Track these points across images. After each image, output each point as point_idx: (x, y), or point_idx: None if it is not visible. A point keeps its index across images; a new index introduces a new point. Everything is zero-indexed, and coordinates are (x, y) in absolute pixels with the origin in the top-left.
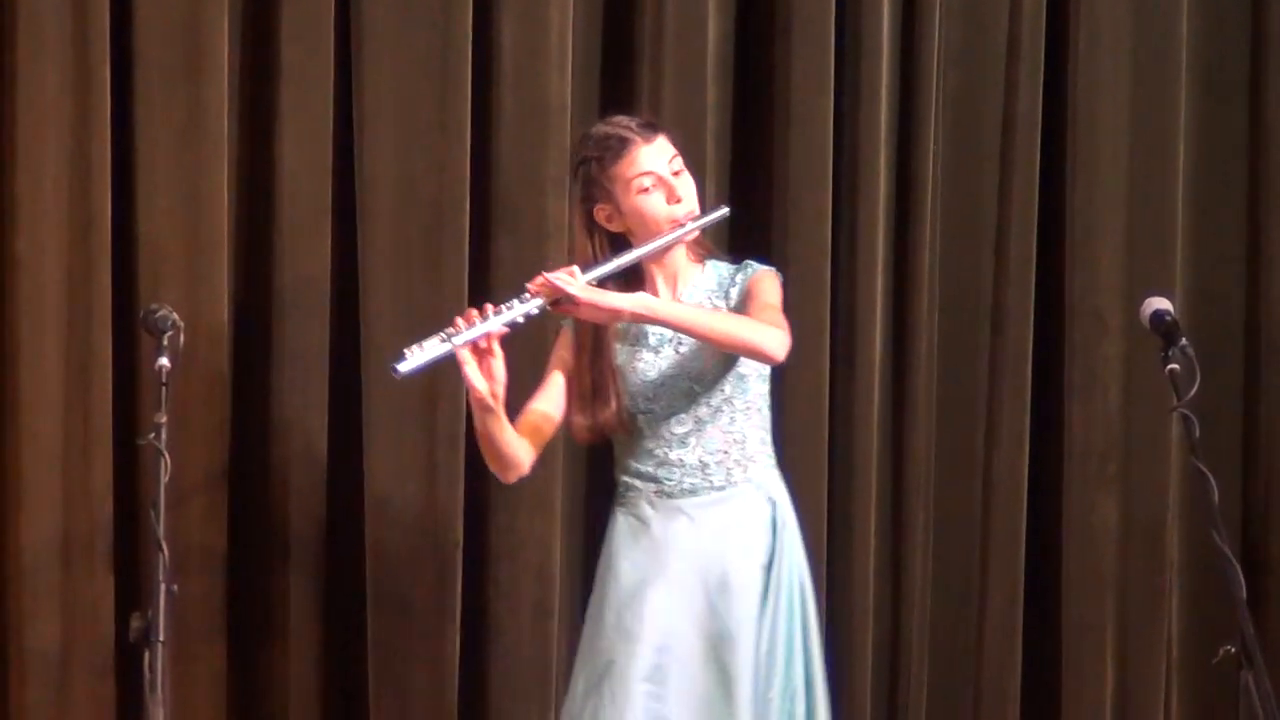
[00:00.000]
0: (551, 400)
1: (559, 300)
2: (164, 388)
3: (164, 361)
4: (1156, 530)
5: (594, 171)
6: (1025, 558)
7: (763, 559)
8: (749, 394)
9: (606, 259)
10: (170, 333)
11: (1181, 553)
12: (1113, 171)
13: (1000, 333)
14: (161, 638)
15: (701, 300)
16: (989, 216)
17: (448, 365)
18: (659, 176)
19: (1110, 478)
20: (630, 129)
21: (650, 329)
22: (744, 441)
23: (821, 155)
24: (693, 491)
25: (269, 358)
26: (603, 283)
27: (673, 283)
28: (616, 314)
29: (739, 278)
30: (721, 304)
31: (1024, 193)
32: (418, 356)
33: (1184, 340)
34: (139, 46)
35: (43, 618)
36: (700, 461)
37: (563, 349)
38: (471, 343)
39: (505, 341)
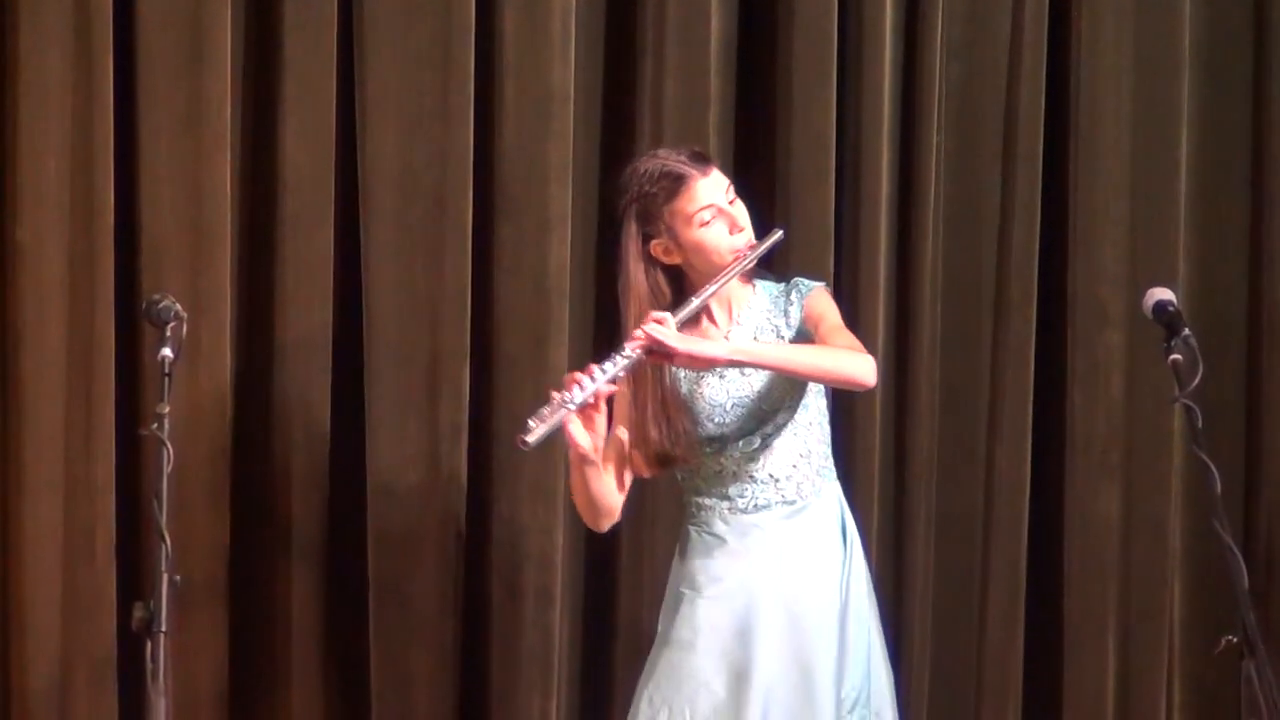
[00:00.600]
0: (623, 456)
1: (654, 350)
2: (166, 378)
3: (166, 352)
4: (1159, 520)
5: (651, 207)
6: (1027, 547)
7: (837, 571)
8: (810, 409)
9: (685, 303)
10: (173, 323)
11: (1183, 542)
12: (1115, 161)
13: (1002, 322)
14: (164, 628)
15: (761, 323)
16: (991, 207)
17: (454, 346)
18: (719, 209)
19: (1112, 468)
20: (685, 163)
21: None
22: (810, 455)
23: (824, 146)
24: (766, 506)
25: (271, 348)
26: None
27: (728, 308)
28: (713, 362)
29: (794, 296)
30: (781, 324)
31: (1026, 183)
32: (541, 428)
33: (1186, 330)
34: (142, 36)
35: (45, 607)
36: (771, 476)
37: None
38: (585, 406)
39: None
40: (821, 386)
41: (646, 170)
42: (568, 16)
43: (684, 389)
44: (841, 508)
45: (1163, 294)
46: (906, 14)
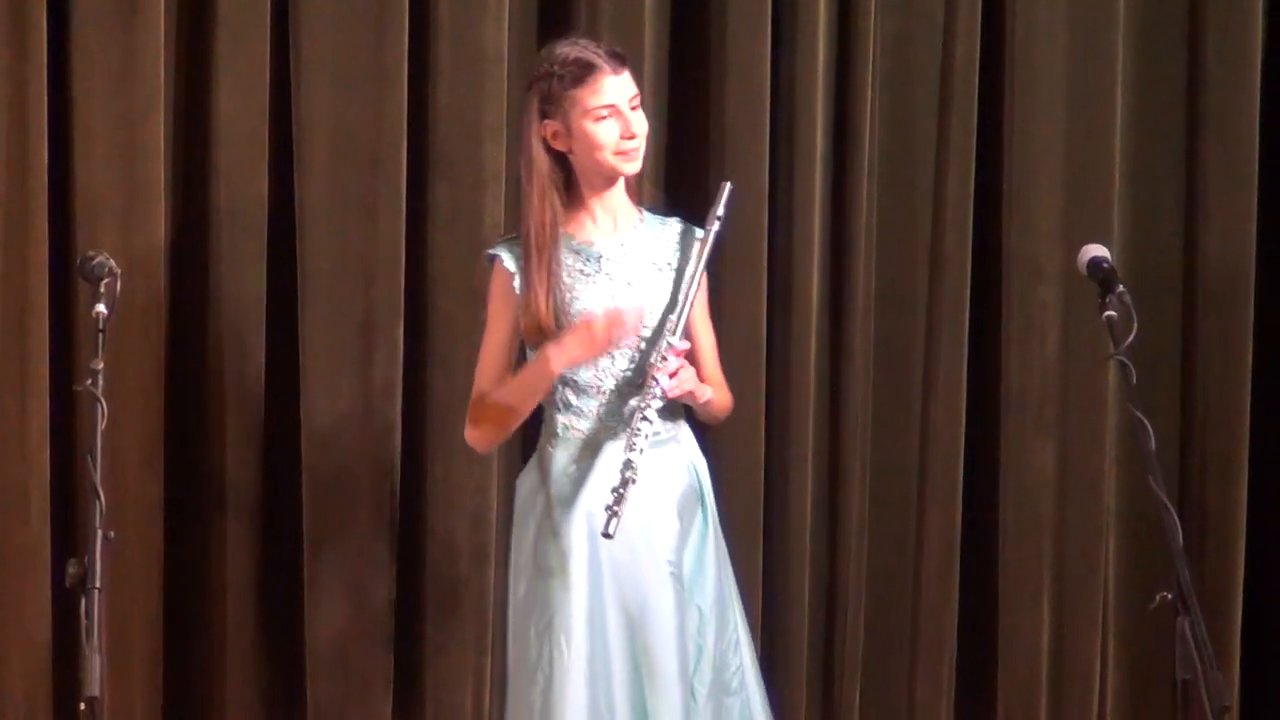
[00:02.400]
0: (511, 347)
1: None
2: (101, 334)
3: (101, 308)
4: (1093, 477)
5: (554, 88)
6: (962, 504)
7: (695, 508)
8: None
9: (681, 307)
10: (107, 279)
11: (1118, 499)
12: (1050, 119)
13: (937, 279)
14: (98, 584)
15: (651, 254)
16: (926, 162)
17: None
18: (618, 110)
19: (1047, 424)
20: (599, 56)
21: (605, 256)
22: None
23: (758, 101)
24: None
25: (206, 305)
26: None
27: (612, 219)
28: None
29: (686, 240)
30: (674, 261)
31: (961, 140)
32: (623, 506)
33: (1121, 287)
34: None
35: None
36: (639, 405)
37: (503, 292)
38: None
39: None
40: (708, 326)
41: (561, 53)
42: None
43: (568, 278)
44: (697, 450)
45: (1097, 251)
46: None
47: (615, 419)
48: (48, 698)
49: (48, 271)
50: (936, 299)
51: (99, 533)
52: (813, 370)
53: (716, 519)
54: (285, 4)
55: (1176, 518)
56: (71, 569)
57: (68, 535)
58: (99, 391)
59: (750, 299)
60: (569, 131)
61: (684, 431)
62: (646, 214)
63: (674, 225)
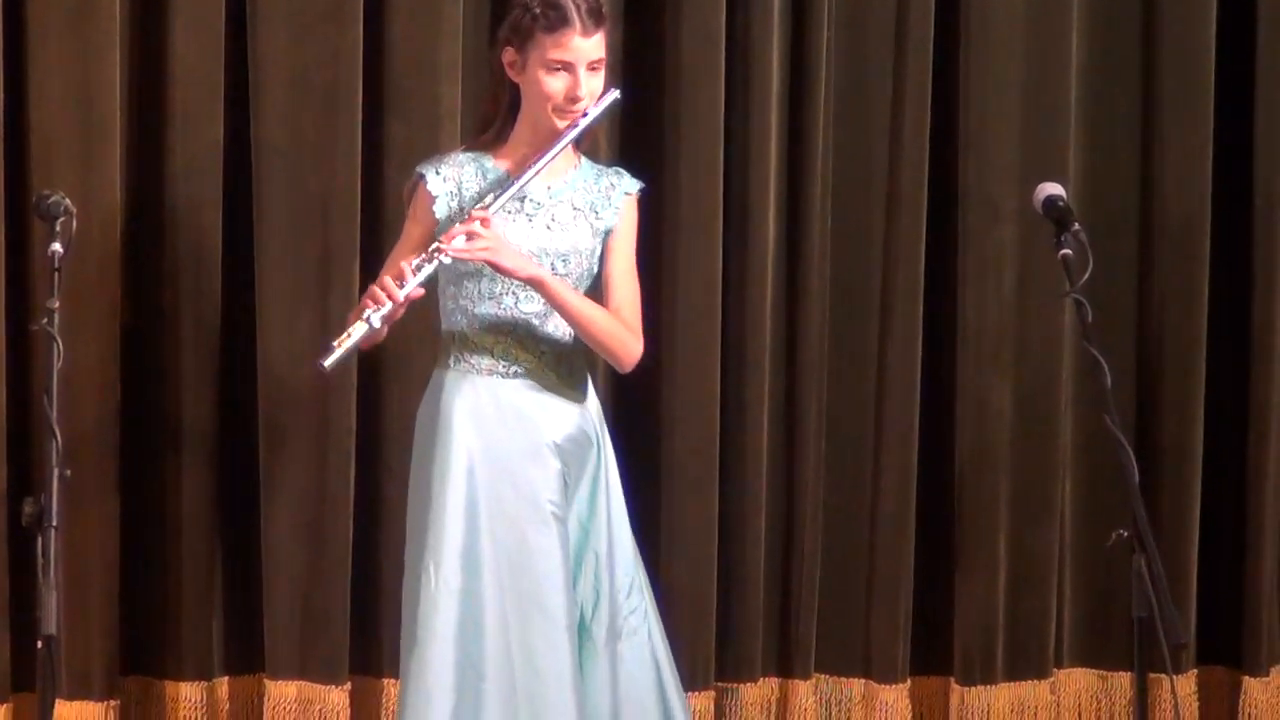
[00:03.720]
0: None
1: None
2: (56, 273)
3: (56, 247)
4: (1050, 415)
5: (524, 21)
6: (919, 442)
7: (585, 451)
8: (596, 290)
9: (505, 187)
10: (62, 218)
11: (1075, 437)
12: (1006, 57)
13: (893, 218)
14: (55, 523)
15: (576, 198)
16: (883, 103)
17: (344, 244)
18: (573, 68)
19: (1004, 363)
20: (579, 12)
21: (532, 195)
22: (577, 338)
23: (714, 40)
24: (524, 375)
25: (161, 243)
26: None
27: (547, 166)
28: (516, 275)
29: (616, 185)
30: (600, 204)
31: (918, 78)
32: (342, 347)
33: (1076, 226)
34: None
35: None
36: (539, 345)
37: (422, 208)
38: (391, 316)
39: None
40: (628, 280)
41: None
42: None
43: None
44: (592, 396)
45: (1053, 189)
46: None
47: (510, 358)
48: (5, 637)
49: (3, 211)
50: (893, 238)
51: (55, 471)
52: (769, 310)
53: (613, 461)
54: None
55: (1133, 456)
56: (27, 507)
57: (24, 475)
58: (55, 331)
59: (707, 240)
60: (523, 67)
61: (580, 372)
62: (585, 161)
63: (608, 174)
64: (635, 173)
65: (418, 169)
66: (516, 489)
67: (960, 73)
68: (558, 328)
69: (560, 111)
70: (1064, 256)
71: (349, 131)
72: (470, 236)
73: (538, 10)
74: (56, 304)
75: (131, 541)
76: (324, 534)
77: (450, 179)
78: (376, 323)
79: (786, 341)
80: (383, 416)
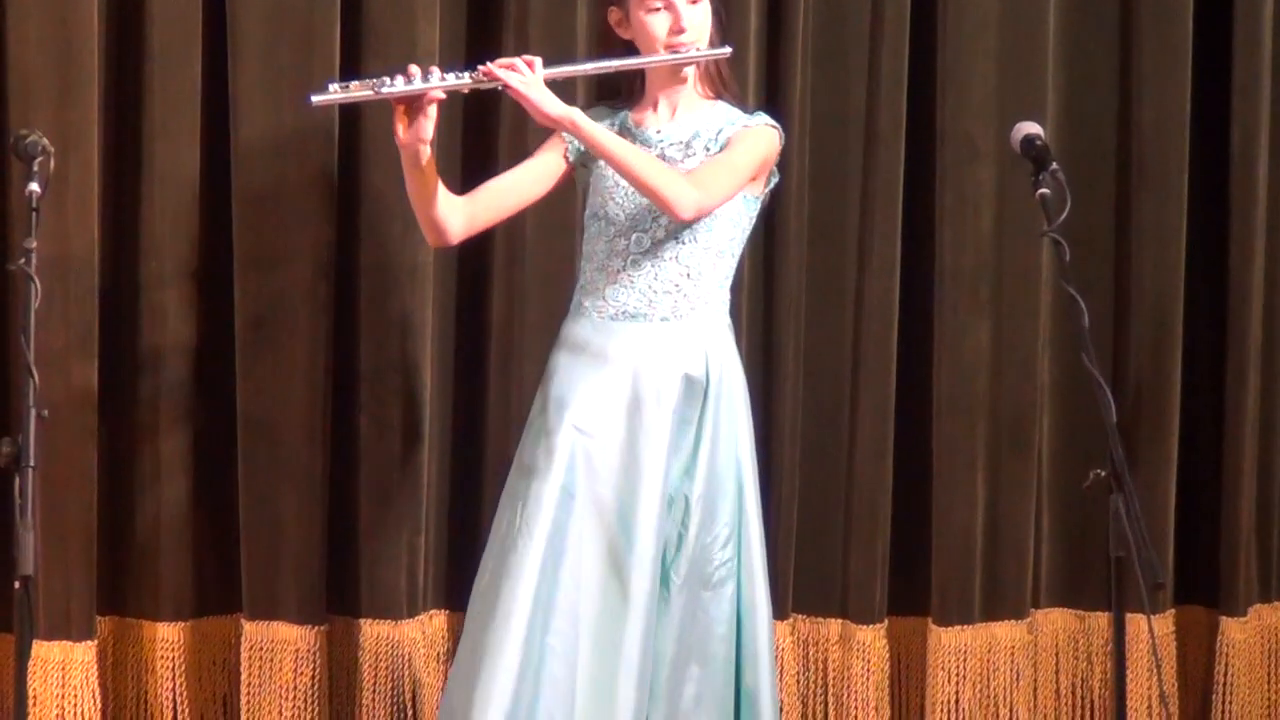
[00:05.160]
0: (516, 184)
1: (504, 84)
2: (34, 213)
3: (34, 187)
4: (1028, 354)
5: None
6: (896, 380)
7: (697, 400)
8: (714, 234)
9: (575, 61)
10: (40, 158)
11: (1052, 376)
12: None
13: (871, 156)
14: (32, 463)
15: (694, 135)
16: (860, 39)
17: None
18: (671, 4)
19: (982, 302)
20: None
21: (641, 140)
22: (698, 280)
23: None
24: (634, 317)
25: (140, 182)
26: (603, 88)
27: (673, 110)
28: (546, 118)
29: (739, 122)
30: (713, 140)
31: (895, 15)
32: (337, 95)
33: (1054, 165)
34: None
35: None
36: (650, 288)
37: (550, 145)
38: (403, 97)
39: None
40: (740, 219)
41: None
42: None
43: (601, 161)
44: (716, 344)
45: (1030, 128)
46: None
47: (621, 299)
48: None
49: None
50: (870, 176)
51: (32, 411)
52: (746, 248)
53: (731, 414)
54: None
55: (1110, 395)
56: (5, 448)
57: (2, 415)
58: (32, 270)
59: None
60: (629, 21)
61: (701, 319)
62: (722, 104)
63: (739, 115)
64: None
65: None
66: (612, 441)
67: (938, 11)
68: (669, 273)
69: (671, 48)
70: (1041, 195)
71: (326, 70)
72: (510, 69)
73: None
74: (34, 244)
75: (109, 482)
76: (300, 473)
77: None
78: (384, 91)
79: (764, 282)
80: (359, 355)
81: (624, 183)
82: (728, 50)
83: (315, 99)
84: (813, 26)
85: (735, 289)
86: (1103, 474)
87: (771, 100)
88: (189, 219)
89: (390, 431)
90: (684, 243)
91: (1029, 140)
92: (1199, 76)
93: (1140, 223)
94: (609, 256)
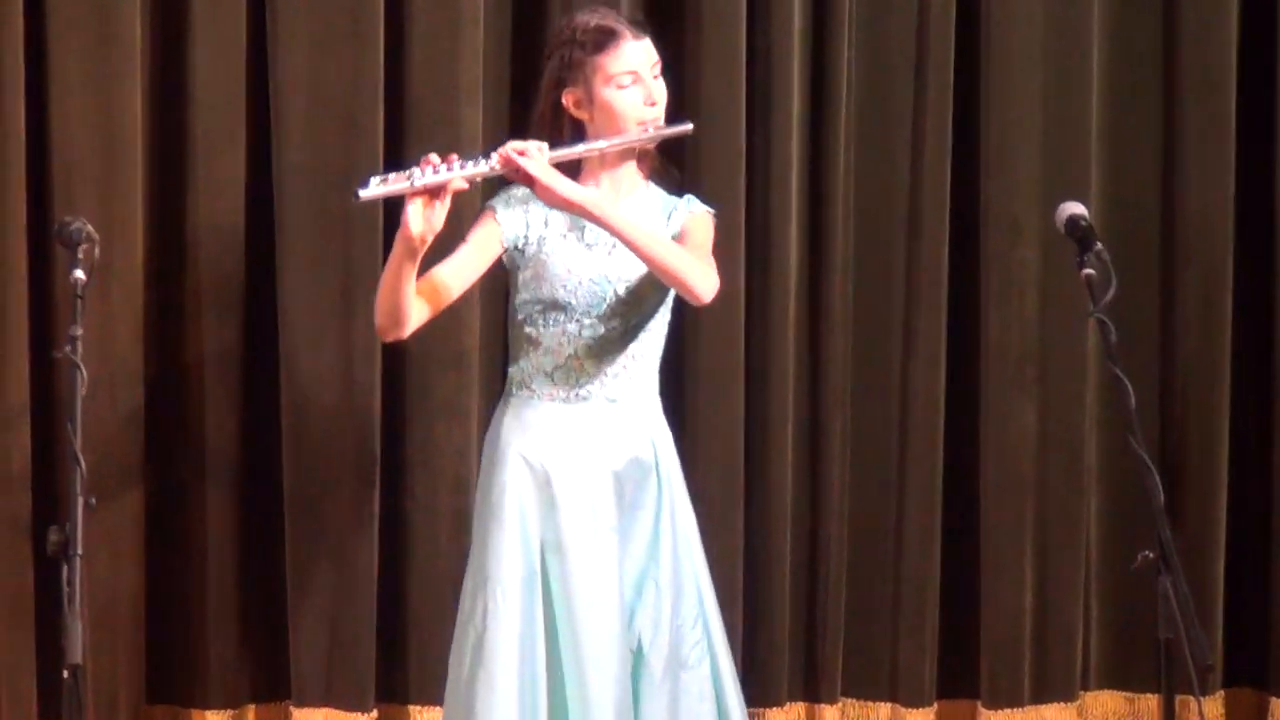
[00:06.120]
0: (459, 273)
1: (521, 170)
2: (79, 300)
3: (79, 274)
4: (1074, 436)
5: (575, 56)
6: (944, 464)
7: (647, 479)
8: (656, 318)
9: (571, 143)
10: (85, 245)
11: (1099, 458)
12: (1027, 76)
13: (916, 239)
14: (79, 551)
15: (641, 217)
16: (904, 122)
17: (367, 268)
18: (639, 77)
19: (1028, 384)
20: (621, 24)
21: (592, 225)
22: (640, 359)
23: (734, 58)
24: (586, 399)
25: (183, 269)
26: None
27: (617, 189)
28: (567, 204)
29: (682, 207)
30: (661, 226)
31: (939, 98)
32: (380, 189)
33: (1099, 245)
34: None
35: None
36: (600, 369)
37: (484, 232)
38: (430, 189)
39: None
40: (672, 300)
41: (582, 21)
42: None
43: (547, 248)
44: (657, 424)
45: (1075, 208)
46: None
47: (571, 383)
48: (31, 666)
49: (25, 237)
50: (915, 259)
51: (80, 499)
52: (792, 332)
53: (679, 492)
54: None
55: (1157, 476)
56: (53, 536)
57: (49, 503)
58: (78, 358)
59: (728, 260)
60: (590, 99)
61: (645, 401)
62: (653, 187)
63: (676, 200)
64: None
65: (487, 202)
66: (571, 514)
67: (981, 92)
68: (617, 356)
69: (642, 123)
70: (1087, 276)
71: (370, 154)
72: (523, 155)
73: (583, 38)
74: (79, 331)
75: (157, 569)
76: (349, 560)
77: (518, 212)
78: (417, 184)
79: (810, 363)
80: (406, 443)
81: (578, 272)
82: (689, 126)
83: (363, 194)
84: (855, 108)
85: (782, 371)
86: (1150, 555)
87: (814, 182)
88: (234, 305)
89: (438, 517)
90: (632, 327)
91: (1074, 221)
92: (1243, 155)
93: (1185, 302)
94: (558, 341)
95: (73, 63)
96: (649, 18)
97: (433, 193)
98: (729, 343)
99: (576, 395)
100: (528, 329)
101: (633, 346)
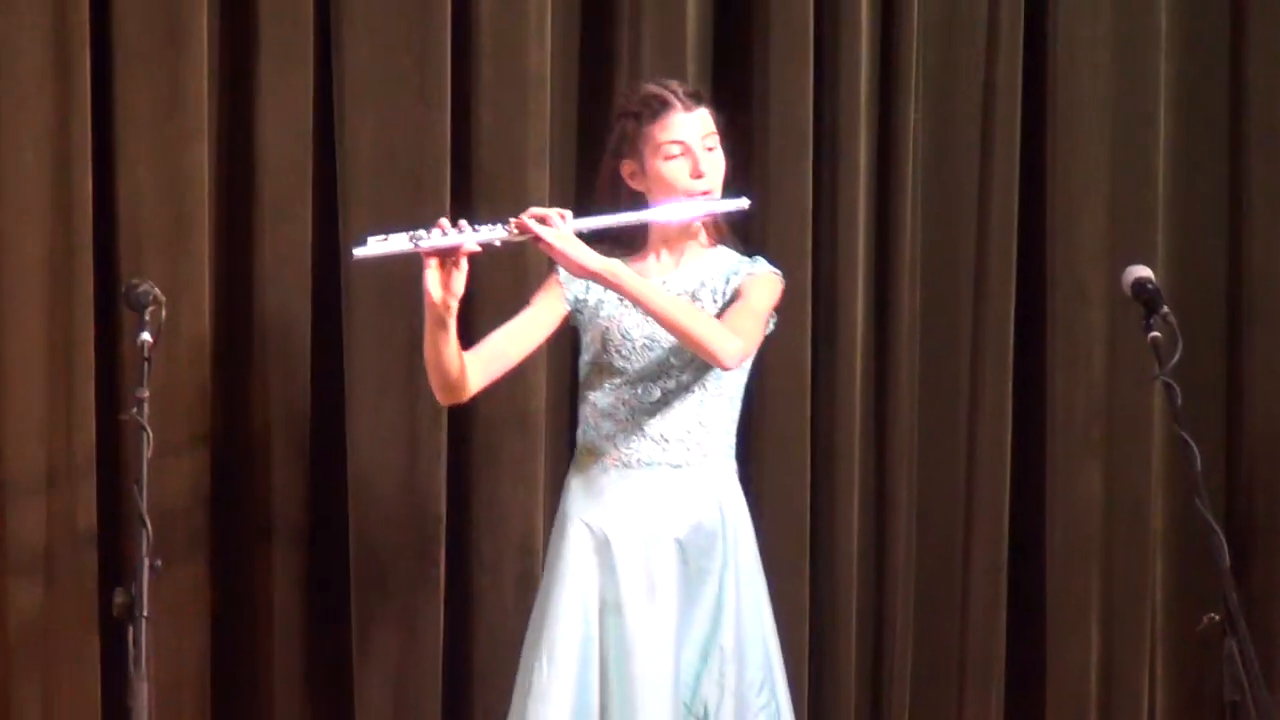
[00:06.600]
0: (520, 335)
1: (537, 238)
2: (146, 363)
3: (146, 336)
4: (1140, 499)
5: (629, 127)
6: (1009, 527)
7: (713, 545)
8: (723, 381)
9: (602, 212)
10: (152, 308)
11: (1165, 521)
12: (1093, 139)
13: (982, 302)
14: (145, 613)
15: (700, 284)
16: (970, 187)
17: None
18: (688, 147)
19: (1094, 446)
20: (674, 94)
21: None
22: (708, 426)
23: (801, 126)
24: (649, 465)
25: (250, 332)
26: (602, 237)
27: (676, 258)
28: (583, 270)
29: (743, 269)
30: (720, 288)
31: (1005, 162)
32: (378, 246)
33: (1166, 308)
34: (118, 22)
35: (27, 594)
36: (662, 436)
37: (548, 294)
38: (439, 251)
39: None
40: (749, 365)
41: (639, 91)
42: None
43: (604, 312)
44: (727, 490)
45: (1141, 272)
46: None
47: (631, 448)
48: None
49: (93, 300)
50: (981, 322)
51: (146, 561)
52: (858, 393)
53: (748, 556)
54: (328, 29)
55: (1223, 539)
56: (119, 598)
57: (115, 564)
58: (144, 420)
59: (795, 323)
60: (643, 170)
61: (714, 466)
62: (721, 249)
63: (741, 261)
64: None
65: (555, 266)
66: (630, 579)
67: (1047, 154)
68: (680, 421)
69: (690, 195)
70: (1153, 339)
71: (436, 216)
72: (543, 222)
73: (636, 109)
74: (146, 393)
75: (222, 630)
76: (414, 622)
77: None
78: (422, 245)
79: (876, 424)
80: (472, 503)
81: (632, 335)
82: (745, 202)
83: (357, 252)
84: (922, 172)
85: (848, 434)
86: (1216, 618)
87: (881, 245)
88: (300, 367)
89: (504, 579)
90: (695, 392)
91: (1140, 284)
92: None
93: (1251, 365)
94: (616, 405)
95: (141, 127)
96: (715, 91)
97: (445, 257)
98: (795, 407)
99: (639, 460)
100: (589, 392)
101: (697, 411)
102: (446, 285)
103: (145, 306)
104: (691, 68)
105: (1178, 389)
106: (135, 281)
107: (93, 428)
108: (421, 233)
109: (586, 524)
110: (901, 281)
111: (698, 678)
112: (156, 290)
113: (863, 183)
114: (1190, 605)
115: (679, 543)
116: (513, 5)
